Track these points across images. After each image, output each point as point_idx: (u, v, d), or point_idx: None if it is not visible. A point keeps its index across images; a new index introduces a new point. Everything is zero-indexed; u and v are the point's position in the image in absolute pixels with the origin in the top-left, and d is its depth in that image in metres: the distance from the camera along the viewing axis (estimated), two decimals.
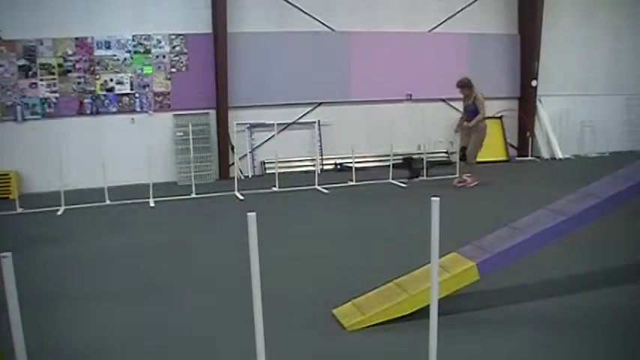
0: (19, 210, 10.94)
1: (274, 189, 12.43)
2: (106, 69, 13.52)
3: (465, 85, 12.22)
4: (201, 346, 4.94)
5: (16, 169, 12.73)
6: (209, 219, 10.22)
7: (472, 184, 12.26)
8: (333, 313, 5.40)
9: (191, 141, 12.50)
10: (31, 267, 7.10)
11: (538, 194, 9.67)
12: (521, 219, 5.74)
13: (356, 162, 13.50)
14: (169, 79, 13.97)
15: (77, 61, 13.29)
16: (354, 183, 12.87)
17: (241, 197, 11.79)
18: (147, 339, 5.13)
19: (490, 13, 16.19)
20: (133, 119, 13.79)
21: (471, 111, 12.15)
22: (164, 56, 13.89)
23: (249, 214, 3.31)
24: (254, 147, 14.79)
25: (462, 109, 12.71)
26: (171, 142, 13.96)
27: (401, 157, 13.70)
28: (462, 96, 12.42)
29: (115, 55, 13.55)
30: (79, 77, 13.34)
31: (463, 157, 12.40)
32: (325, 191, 12.20)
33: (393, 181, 12.89)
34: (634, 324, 5.08)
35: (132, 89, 13.77)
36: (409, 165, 13.52)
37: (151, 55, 13.81)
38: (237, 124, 14.34)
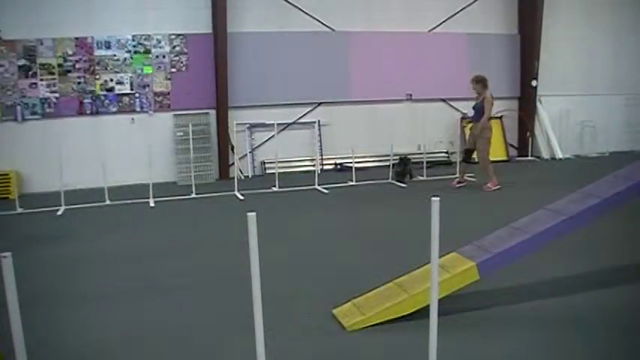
0: (19, 210, 10.94)
1: (274, 189, 12.43)
2: (106, 69, 13.53)
3: (480, 82, 11.90)
4: (201, 347, 4.94)
5: (16, 169, 12.74)
6: (209, 219, 10.22)
7: (493, 189, 11.81)
8: (333, 313, 5.40)
9: (191, 141, 12.50)
10: (31, 267, 7.10)
11: (538, 194, 9.68)
12: (522, 219, 5.74)
13: (356, 162, 13.50)
14: (169, 79, 13.97)
15: (77, 61, 13.30)
16: (354, 183, 12.87)
17: (241, 197, 11.79)
18: (147, 339, 5.12)
19: (490, 13, 16.20)
20: (133, 119, 13.79)
21: (479, 110, 11.92)
22: (164, 56, 13.89)
23: (249, 214, 3.31)
24: (254, 147, 14.79)
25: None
26: (171, 142, 13.96)
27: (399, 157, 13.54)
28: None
29: (114, 55, 13.56)
30: (79, 77, 13.35)
31: (466, 159, 12.24)
32: (325, 191, 12.20)
33: (393, 181, 12.89)
34: (634, 324, 5.08)
35: (132, 89, 13.78)
36: (404, 166, 13.21)
37: (150, 55, 13.81)
38: (237, 124, 14.34)
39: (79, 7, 13.07)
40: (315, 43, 14.81)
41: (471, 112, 12.58)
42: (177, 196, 11.94)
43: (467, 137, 12.36)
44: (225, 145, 14.28)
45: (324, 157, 15.15)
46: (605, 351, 4.63)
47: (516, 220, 5.76)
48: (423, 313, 4.66)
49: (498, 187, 11.87)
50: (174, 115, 13.97)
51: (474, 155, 12.16)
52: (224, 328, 5.31)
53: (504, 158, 16.01)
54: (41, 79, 13.11)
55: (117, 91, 13.67)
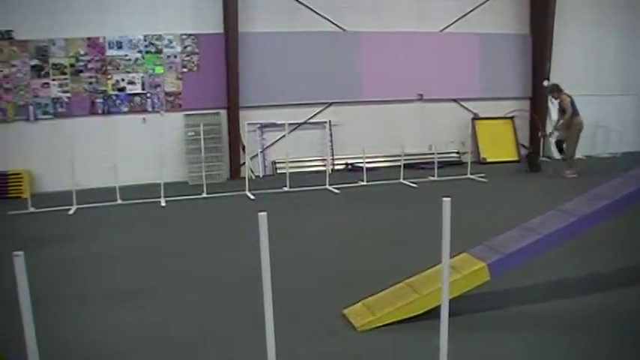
0: (31, 209, 10.99)
1: (285, 189, 12.43)
2: (118, 69, 13.58)
3: (554, 90, 13.31)
4: (212, 346, 4.95)
5: (28, 168, 12.79)
6: (220, 219, 10.23)
7: (572, 175, 12.93)
8: (344, 312, 5.40)
9: (202, 141, 12.52)
10: (42, 266, 7.11)
11: (549, 194, 9.66)
12: (532, 220, 5.73)
13: (367, 162, 13.49)
14: (180, 79, 14.01)
15: (89, 61, 13.36)
16: (364, 183, 12.86)
17: (252, 197, 11.80)
18: (158, 339, 5.14)
19: (501, 13, 16.14)
20: (144, 119, 13.83)
21: (562, 111, 13.20)
22: (175, 56, 13.93)
23: (260, 213, 3.31)
24: (265, 147, 14.80)
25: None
26: (182, 142, 13.99)
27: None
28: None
29: (126, 55, 13.60)
30: (90, 77, 13.40)
31: (560, 150, 13.55)
32: (336, 191, 12.19)
33: (404, 182, 12.87)
34: None
35: (143, 89, 13.82)
36: (531, 159, 14.25)
37: (162, 55, 13.85)
38: (248, 123, 14.34)
39: (91, 7, 13.13)
40: (326, 43, 14.81)
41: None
42: (188, 196, 11.97)
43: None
44: (236, 145, 14.30)
45: (334, 157, 15.14)
46: (617, 353, 4.61)
47: (527, 221, 5.74)
48: (433, 313, 4.65)
49: (575, 175, 12.93)
50: (186, 114, 14.00)
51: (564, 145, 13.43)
52: (235, 327, 5.31)
53: (516, 158, 15.93)
54: (53, 79, 13.17)
55: (128, 91, 13.72)
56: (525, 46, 16.45)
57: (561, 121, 13.22)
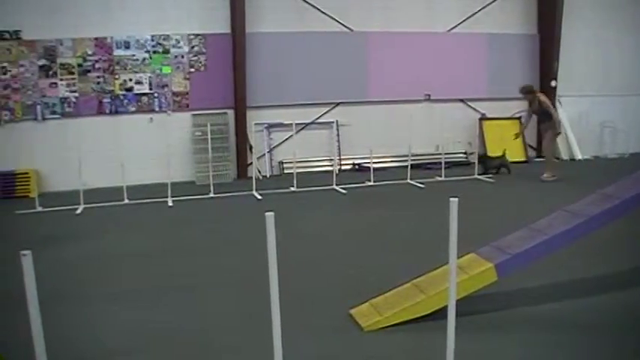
0: (39, 208, 11.01)
1: (292, 189, 12.43)
2: (125, 69, 13.59)
3: (529, 92, 13.16)
4: (217, 346, 4.95)
5: (36, 167, 12.80)
6: (227, 219, 10.23)
7: (550, 179, 12.73)
8: (351, 313, 5.40)
9: (209, 140, 12.52)
10: (48, 266, 7.13)
11: (556, 195, 9.63)
12: (540, 220, 5.71)
13: (374, 162, 13.47)
14: (188, 78, 14.02)
15: (96, 61, 13.37)
16: (372, 183, 12.85)
17: (259, 197, 11.80)
18: (163, 339, 5.14)
19: (509, 13, 16.10)
20: (151, 119, 13.84)
21: (543, 113, 12.94)
22: (183, 56, 13.93)
23: (267, 213, 3.31)
24: (272, 147, 14.80)
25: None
26: (189, 142, 13.99)
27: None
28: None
29: (134, 55, 13.61)
30: (98, 77, 13.42)
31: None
32: (343, 191, 12.18)
33: (411, 182, 12.85)
34: None
35: (150, 89, 13.83)
36: (484, 162, 14.11)
37: (169, 55, 13.86)
38: (256, 123, 14.34)
39: (98, 7, 13.15)
40: (334, 43, 14.79)
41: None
42: (196, 196, 11.97)
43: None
44: (243, 145, 14.30)
45: (342, 157, 15.13)
46: (622, 354, 4.59)
47: (535, 222, 5.72)
48: (440, 314, 4.65)
49: (554, 178, 12.76)
50: (193, 114, 14.00)
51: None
52: (241, 327, 5.31)
53: (523, 159, 15.87)
54: (61, 79, 13.19)
55: (136, 91, 13.73)
56: (533, 46, 16.40)
57: (548, 123, 13.01)
